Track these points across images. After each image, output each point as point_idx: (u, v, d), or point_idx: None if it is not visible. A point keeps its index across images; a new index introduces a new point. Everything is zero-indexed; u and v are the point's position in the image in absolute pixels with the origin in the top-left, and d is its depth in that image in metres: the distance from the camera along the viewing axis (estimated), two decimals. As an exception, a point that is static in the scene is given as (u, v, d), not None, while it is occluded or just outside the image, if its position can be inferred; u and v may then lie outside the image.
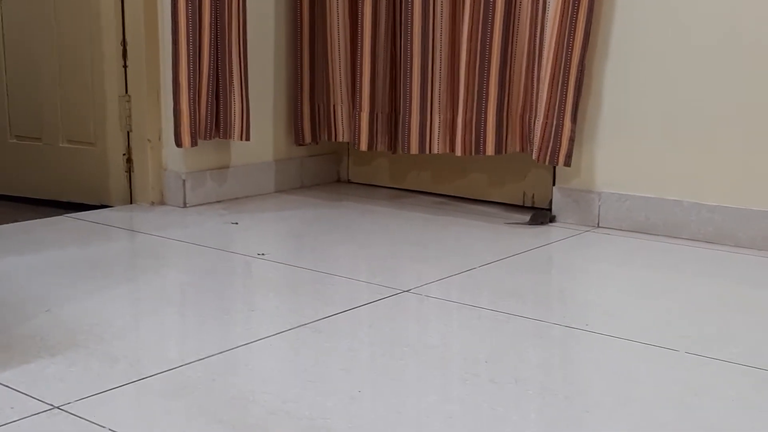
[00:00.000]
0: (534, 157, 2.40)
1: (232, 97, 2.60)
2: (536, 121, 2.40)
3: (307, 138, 2.90)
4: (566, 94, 2.33)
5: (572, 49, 2.31)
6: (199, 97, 2.53)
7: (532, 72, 2.44)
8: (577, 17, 2.29)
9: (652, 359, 1.45)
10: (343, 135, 2.85)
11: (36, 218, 2.48)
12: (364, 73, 2.67)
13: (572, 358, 1.47)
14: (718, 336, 1.57)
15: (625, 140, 2.38)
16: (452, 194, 2.86)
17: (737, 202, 2.24)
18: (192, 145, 2.53)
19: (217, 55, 2.56)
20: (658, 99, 2.32)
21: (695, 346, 1.51)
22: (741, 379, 1.37)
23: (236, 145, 2.76)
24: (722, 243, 2.25)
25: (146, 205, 2.65)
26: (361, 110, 2.69)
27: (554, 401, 1.27)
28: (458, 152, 2.52)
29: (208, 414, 1.21)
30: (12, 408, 1.21)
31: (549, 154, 2.37)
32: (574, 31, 2.30)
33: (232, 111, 2.60)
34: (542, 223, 2.46)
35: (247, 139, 2.65)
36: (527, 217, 2.52)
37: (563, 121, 2.35)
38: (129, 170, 2.66)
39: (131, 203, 2.68)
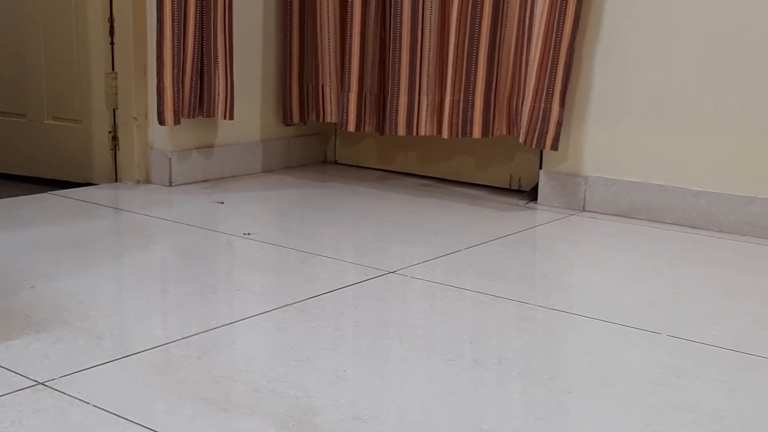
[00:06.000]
0: (521, 140, 2.40)
1: (216, 76, 2.58)
2: (524, 104, 2.40)
3: (295, 118, 2.89)
4: (555, 78, 2.33)
5: (562, 32, 2.31)
6: (183, 75, 2.52)
7: (521, 55, 2.44)
8: (567, 0, 2.29)
9: (634, 341, 1.46)
10: (331, 115, 2.84)
11: (20, 195, 2.46)
12: (353, 53, 2.66)
13: (555, 339, 1.48)
14: (700, 319, 1.58)
15: (613, 125, 2.39)
16: (439, 176, 2.87)
17: (722, 188, 2.25)
18: (175, 123, 2.52)
19: (202, 33, 2.54)
20: (646, 84, 2.32)
21: (677, 328, 1.53)
22: (722, 361, 1.39)
23: (223, 124, 2.75)
24: (706, 228, 2.27)
25: (131, 183, 2.64)
26: (349, 91, 2.69)
27: (537, 382, 1.28)
28: (445, 134, 2.52)
29: (193, 392, 1.21)
30: (-4, 384, 1.21)
31: (536, 137, 2.37)
32: (564, 14, 2.30)
33: (216, 90, 2.59)
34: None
35: (231, 118, 2.64)
36: (522, 201, 2.53)
37: (551, 104, 2.35)
38: (114, 148, 2.65)
39: (116, 181, 2.66)
